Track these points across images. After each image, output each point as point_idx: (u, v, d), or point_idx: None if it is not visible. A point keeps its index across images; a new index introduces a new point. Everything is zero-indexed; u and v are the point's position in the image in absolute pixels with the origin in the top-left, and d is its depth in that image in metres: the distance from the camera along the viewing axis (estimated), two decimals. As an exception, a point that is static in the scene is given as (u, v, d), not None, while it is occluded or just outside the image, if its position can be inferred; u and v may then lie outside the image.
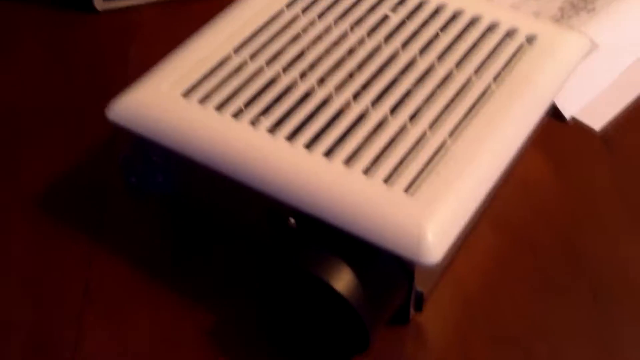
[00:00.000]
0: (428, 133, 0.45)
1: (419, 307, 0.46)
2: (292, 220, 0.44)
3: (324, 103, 0.47)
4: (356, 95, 0.47)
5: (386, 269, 0.43)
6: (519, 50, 0.49)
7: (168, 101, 0.47)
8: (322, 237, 0.43)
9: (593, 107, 0.58)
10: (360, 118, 0.46)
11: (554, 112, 0.58)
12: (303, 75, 0.49)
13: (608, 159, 0.55)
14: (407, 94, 0.47)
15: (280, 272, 0.44)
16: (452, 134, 0.45)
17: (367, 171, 0.43)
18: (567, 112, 0.58)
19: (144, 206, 0.53)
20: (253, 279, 0.49)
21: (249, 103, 0.47)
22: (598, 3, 0.63)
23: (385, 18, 0.52)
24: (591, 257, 0.50)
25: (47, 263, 0.50)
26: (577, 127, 0.58)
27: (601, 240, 0.51)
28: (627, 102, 0.59)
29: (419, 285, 0.45)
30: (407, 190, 0.42)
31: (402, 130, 0.45)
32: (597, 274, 0.49)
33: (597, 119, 0.58)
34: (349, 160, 0.43)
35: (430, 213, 0.40)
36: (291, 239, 0.44)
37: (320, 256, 0.42)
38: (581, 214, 0.52)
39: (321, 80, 0.48)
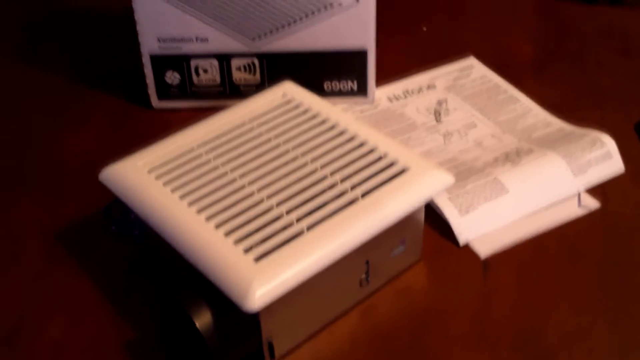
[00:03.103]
0: (295, 223, 0.61)
1: (271, 355, 0.61)
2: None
3: (238, 190, 0.64)
4: (260, 189, 0.64)
5: (241, 318, 0.59)
6: (392, 177, 0.64)
7: (136, 174, 0.66)
8: (206, 285, 0.60)
9: (487, 237, 0.72)
10: (257, 204, 0.63)
11: (452, 236, 0.72)
12: (233, 170, 0.66)
13: (481, 284, 0.68)
14: (297, 194, 0.63)
15: (171, 305, 0.61)
16: (310, 227, 0.60)
17: (238, 241, 0.59)
18: (462, 238, 0.71)
19: (121, 246, 0.72)
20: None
21: (186, 183, 0.65)
22: (525, 159, 0.77)
23: (312, 141, 0.69)
24: (430, 355, 0.63)
25: (42, 275, 0.70)
26: (467, 251, 0.71)
27: (446, 346, 0.64)
28: (516, 240, 0.72)
29: (272, 338, 0.60)
30: (257, 259, 0.58)
31: (278, 217, 0.61)
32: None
33: (485, 248, 0.71)
34: (231, 232, 0.60)
35: (262, 278, 0.56)
36: (190, 285, 0.61)
37: (195, 298, 0.59)
38: (438, 323, 0.65)
39: (243, 175, 0.66)
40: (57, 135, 0.86)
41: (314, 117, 0.71)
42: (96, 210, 0.75)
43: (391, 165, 0.66)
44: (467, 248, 0.71)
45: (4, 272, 0.71)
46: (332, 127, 0.70)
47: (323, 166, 0.66)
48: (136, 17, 0.83)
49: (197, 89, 0.87)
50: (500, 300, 0.67)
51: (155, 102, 0.88)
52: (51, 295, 0.68)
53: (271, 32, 0.83)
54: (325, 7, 0.82)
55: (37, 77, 0.95)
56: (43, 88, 0.94)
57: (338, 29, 0.83)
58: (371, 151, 0.67)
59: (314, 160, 0.67)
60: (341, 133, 0.69)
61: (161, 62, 0.85)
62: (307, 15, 0.82)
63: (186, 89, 0.87)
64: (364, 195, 0.63)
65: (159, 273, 0.69)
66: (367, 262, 0.65)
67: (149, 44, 0.84)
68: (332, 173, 0.65)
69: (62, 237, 0.74)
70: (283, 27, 0.83)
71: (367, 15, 0.82)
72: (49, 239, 0.74)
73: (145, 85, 0.87)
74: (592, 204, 0.75)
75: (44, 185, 0.80)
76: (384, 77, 0.90)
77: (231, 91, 0.87)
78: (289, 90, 0.75)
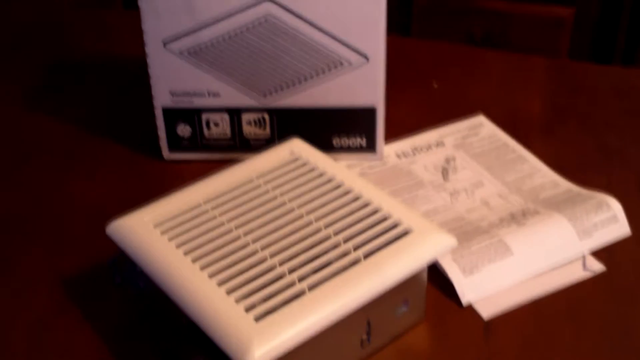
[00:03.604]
0: (297, 283, 0.61)
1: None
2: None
3: (242, 248, 0.65)
4: (264, 247, 0.65)
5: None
6: (395, 238, 0.65)
7: (142, 229, 0.67)
8: (207, 342, 0.60)
9: (490, 299, 0.72)
10: (260, 262, 0.63)
11: (455, 296, 0.72)
12: (238, 227, 0.67)
13: (484, 346, 0.68)
14: (300, 253, 0.64)
15: (171, 354, 0.62)
16: (312, 287, 0.61)
17: (239, 300, 0.60)
18: (465, 299, 0.71)
19: (125, 298, 0.72)
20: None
21: (191, 239, 0.66)
22: (531, 220, 0.77)
23: (317, 200, 0.69)
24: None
25: (48, 324, 0.71)
26: (470, 312, 0.71)
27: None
28: (520, 302, 0.72)
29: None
30: (258, 318, 0.58)
31: (280, 277, 0.62)
32: None
33: (488, 310, 0.71)
34: (232, 291, 0.61)
35: (261, 338, 0.57)
36: (191, 341, 0.62)
37: (196, 355, 0.60)
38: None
39: (248, 232, 0.66)
40: (68, 184, 0.88)
41: (320, 175, 0.72)
42: (104, 261, 0.76)
43: (394, 226, 0.66)
44: (470, 309, 0.71)
45: (9, 320, 0.71)
46: (337, 187, 0.71)
47: (327, 225, 0.66)
48: (150, 72, 0.84)
49: (207, 141, 0.88)
50: (502, 364, 0.67)
51: (166, 153, 0.90)
52: (56, 344, 0.69)
53: (282, 88, 0.84)
54: (335, 66, 0.83)
55: (51, 124, 0.97)
56: (56, 136, 0.95)
57: (348, 86, 0.84)
58: (375, 212, 0.68)
59: (318, 219, 0.67)
60: (346, 192, 0.70)
61: (173, 115, 0.87)
62: (317, 73, 0.83)
63: (197, 142, 0.88)
64: (366, 256, 0.63)
65: (162, 326, 0.70)
66: (369, 323, 0.65)
67: (162, 98, 0.86)
68: (336, 233, 0.66)
69: (68, 287, 0.74)
70: (294, 84, 0.84)
71: (377, 74, 0.84)
72: (56, 288, 0.74)
73: (157, 137, 0.89)
74: (597, 267, 0.75)
75: (53, 233, 0.81)
76: (393, 133, 0.91)
77: (241, 144, 0.88)
78: (296, 147, 0.76)
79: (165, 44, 0.82)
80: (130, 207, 0.70)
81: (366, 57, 0.83)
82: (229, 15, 0.81)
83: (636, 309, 0.72)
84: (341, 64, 0.83)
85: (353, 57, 0.83)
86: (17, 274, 0.76)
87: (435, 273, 0.73)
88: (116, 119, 0.98)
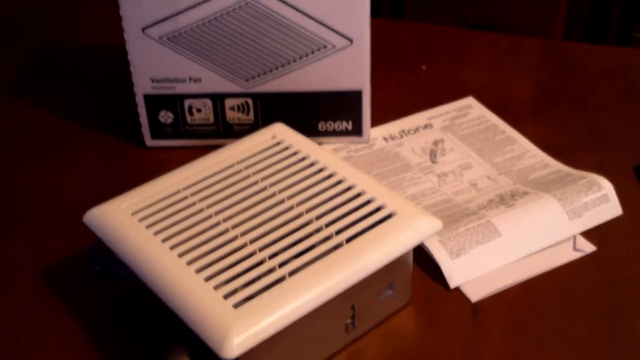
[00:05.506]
0: (277, 269, 0.60)
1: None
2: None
3: (222, 234, 0.63)
4: (244, 233, 0.63)
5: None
6: (378, 222, 0.63)
7: (119, 216, 0.66)
8: (185, 330, 0.59)
9: (478, 281, 0.70)
10: (239, 248, 0.62)
11: (442, 278, 0.71)
12: (218, 213, 0.66)
13: (471, 329, 0.67)
14: (281, 238, 0.62)
15: (150, 349, 0.60)
16: (292, 273, 0.59)
17: (218, 287, 0.58)
18: (453, 282, 0.70)
19: (105, 286, 0.71)
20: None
21: (169, 226, 0.64)
22: (519, 201, 0.75)
23: (299, 184, 0.68)
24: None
25: (27, 312, 0.69)
26: (457, 294, 0.70)
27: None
28: (508, 284, 0.70)
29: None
30: (237, 305, 0.57)
31: (260, 263, 0.60)
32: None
33: (476, 292, 0.69)
34: (211, 278, 0.59)
35: (240, 325, 0.55)
36: (169, 330, 0.61)
37: (174, 344, 0.59)
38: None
39: (227, 219, 0.65)
40: (50, 173, 0.86)
41: (302, 159, 0.71)
42: (84, 250, 0.74)
43: (378, 209, 0.65)
44: (457, 291, 0.70)
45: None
46: (319, 170, 0.69)
47: (308, 210, 0.65)
48: (130, 58, 0.83)
49: (190, 128, 0.87)
50: (490, 346, 0.65)
51: (148, 140, 0.88)
52: (35, 333, 0.68)
53: (265, 73, 0.83)
54: (319, 49, 0.81)
55: (32, 114, 0.96)
56: (37, 125, 0.94)
57: (332, 70, 0.82)
58: (358, 195, 0.66)
59: (299, 203, 0.66)
60: (329, 176, 0.68)
61: (155, 102, 0.85)
62: (300, 57, 0.82)
63: (180, 128, 0.87)
64: (348, 240, 0.62)
65: (141, 315, 0.68)
66: (353, 307, 0.64)
67: (143, 84, 0.84)
68: (318, 217, 0.64)
69: (48, 277, 0.73)
70: (277, 68, 0.82)
71: (362, 57, 0.82)
72: (35, 278, 0.73)
73: (139, 124, 0.87)
74: (587, 247, 0.74)
75: (34, 223, 0.80)
76: (381, 116, 0.90)
77: (225, 130, 0.87)
78: (279, 132, 0.74)
79: (144, 30, 0.81)
80: (112, 195, 0.69)
81: (350, 40, 0.81)
82: (209, -2, 0.79)
83: (627, 289, 0.70)
84: (325, 47, 0.81)
85: (337, 40, 0.81)
86: (-3, 264, 0.75)
87: (422, 255, 0.71)
88: (99, 107, 0.96)
